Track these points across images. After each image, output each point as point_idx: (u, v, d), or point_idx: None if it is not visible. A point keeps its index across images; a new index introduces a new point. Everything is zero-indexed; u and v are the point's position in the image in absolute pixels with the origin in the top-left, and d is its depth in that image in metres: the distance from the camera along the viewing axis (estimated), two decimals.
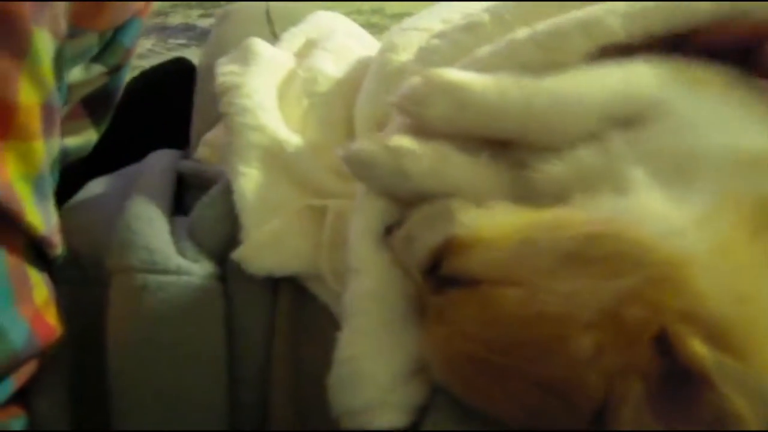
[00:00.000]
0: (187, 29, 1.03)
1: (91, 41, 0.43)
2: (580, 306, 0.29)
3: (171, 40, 1.06)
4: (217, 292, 0.45)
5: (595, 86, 0.38)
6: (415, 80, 0.39)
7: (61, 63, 0.36)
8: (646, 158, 0.34)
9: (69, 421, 0.44)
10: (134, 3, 0.45)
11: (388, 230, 0.39)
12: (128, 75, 0.58)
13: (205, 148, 0.58)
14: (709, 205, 0.32)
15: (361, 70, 0.56)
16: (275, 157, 0.50)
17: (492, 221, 0.34)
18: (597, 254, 0.30)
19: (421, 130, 0.40)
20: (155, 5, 1.20)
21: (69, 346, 0.44)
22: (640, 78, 0.38)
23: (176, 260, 0.45)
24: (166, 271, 0.44)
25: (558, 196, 0.36)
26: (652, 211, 0.32)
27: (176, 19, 1.10)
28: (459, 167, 0.39)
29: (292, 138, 0.51)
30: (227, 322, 0.45)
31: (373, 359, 0.37)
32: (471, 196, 0.38)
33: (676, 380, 0.28)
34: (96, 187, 0.56)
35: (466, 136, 0.40)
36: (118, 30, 0.46)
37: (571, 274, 0.30)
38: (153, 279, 0.44)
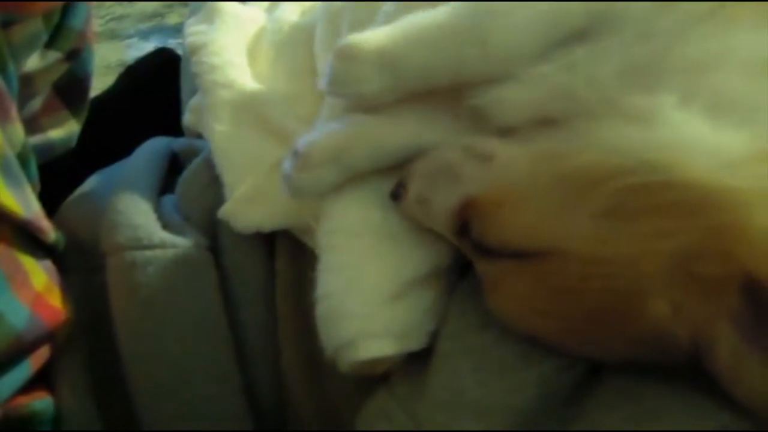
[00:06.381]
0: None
1: (36, 27, 0.44)
2: (644, 271, 0.28)
3: (171, 40, 1.08)
4: (206, 260, 0.46)
5: (525, 12, 0.34)
6: (332, 60, 0.37)
7: (1, 47, 0.37)
8: (656, 74, 0.31)
9: (92, 403, 0.45)
10: None
11: (394, 195, 0.37)
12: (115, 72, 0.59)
13: (190, 114, 0.58)
14: (753, 132, 0.29)
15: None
16: (247, 111, 0.50)
17: (504, 177, 0.32)
18: (643, 206, 0.28)
19: (359, 105, 0.39)
20: (149, 7, 1.23)
21: (83, 331, 0.46)
22: None
23: (160, 234, 0.46)
24: (151, 246, 0.45)
25: (519, 120, 0.34)
26: (697, 144, 0.29)
27: (173, 19, 1.13)
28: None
29: (262, 91, 0.51)
30: (224, 289, 0.45)
31: (347, 293, 0.37)
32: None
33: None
34: (95, 179, 0.58)
35: (406, 98, 0.38)
36: (65, 14, 0.47)
37: (618, 237, 0.28)
38: (140, 255, 0.44)
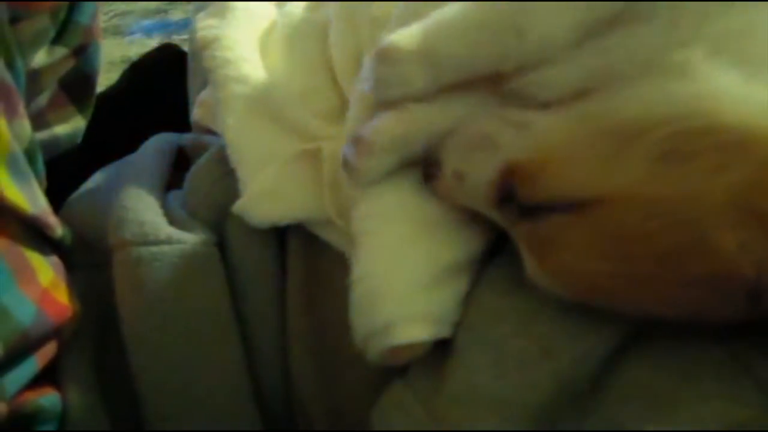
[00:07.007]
0: (189, 24, 1.05)
1: (43, 23, 0.44)
2: (705, 206, 0.28)
3: (175, 36, 1.08)
4: (213, 256, 0.45)
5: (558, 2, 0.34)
6: (374, 64, 0.37)
7: (9, 43, 0.37)
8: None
9: (98, 399, 0.45)
10: None
11: (427, 176, 0.37)
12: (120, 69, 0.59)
13: (200, 108, 0.58)
14: None
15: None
16: (262, 106, 0.49)
17: (545, 140, 0.33)
18: (694, 149, 0.29)
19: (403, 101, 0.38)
20: (153, 4, 1.23)
21: (89, 327, 0.46)
22: None
23: (166, 230, 0.45)
24: (157, 242, 0.45)
25: (558, 95, 0.34)
26: (729, 93, 0.29)
27: (176, 15, 1.13)
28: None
29: (277, 86, 0.50)
30: (231, 285, 0.45)
31: (386, 276, 0.36)
32: None
33: None
34: (101, 175, 0.58)
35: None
36: (72, 10, 0.46)
37: (676, 175, 0.29)
38: (146, 251, 0.44)
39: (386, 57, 0.36)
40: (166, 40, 1.07)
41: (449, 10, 0.36)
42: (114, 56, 1.03)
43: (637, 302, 0.31)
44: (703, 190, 0.28)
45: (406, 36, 0.36)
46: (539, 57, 0.34)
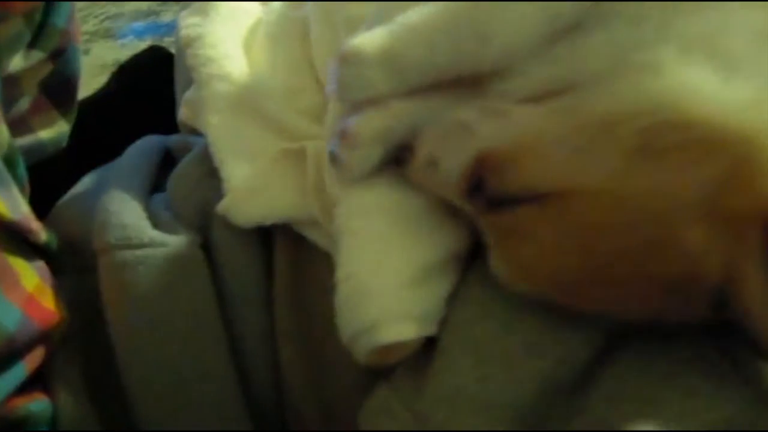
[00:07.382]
0: None
1: (17, 27, 0.44)
2: (675, 202, 0.28)
3: (167, 38, 1.08)
4: (197, 258, 0.45)
5: (520, 9, 0.34)
6: (337, 66, 0.37)
7: None
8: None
9: (88, 403, 0.45)
10: None
11: (399, 160, 0.37)
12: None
13: (185, 108, 0.58)
14: (759, 85, 0.29)
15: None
16: (245, 104, 0.49)
17: (520, 130, 0.32)
18: (668, 144, 0.28)
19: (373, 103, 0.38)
20: (144, 6, 1.23)
21: (78, 332, 0.46)
22: None
23: (150, 233, 0.45)
24: (141, 245, 0.45)
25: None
26: (701, 90, 0.29)
27: (168, 17, 1.13)
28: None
29: (260, 83, 0.50)
30: (217, 286, 0.45)
31: (370, 274, 0.36)
32: None
33: None
34: (89, 179, 0.58)
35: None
36: (48, 13, 0.46)
37: (647, 170, 0.28)
38: (130, 254, 0.44)
39: (348, 60, 0.36)
40: (158, 42, 1.07)
41: (414, 14, 0.36)
42: (106, 59, 1.02)
43: (599, 301, 0.31)
44: (672, 187, 0.28)
45: (369, 39, 0.36)
46: (503, 63, 0.34)
